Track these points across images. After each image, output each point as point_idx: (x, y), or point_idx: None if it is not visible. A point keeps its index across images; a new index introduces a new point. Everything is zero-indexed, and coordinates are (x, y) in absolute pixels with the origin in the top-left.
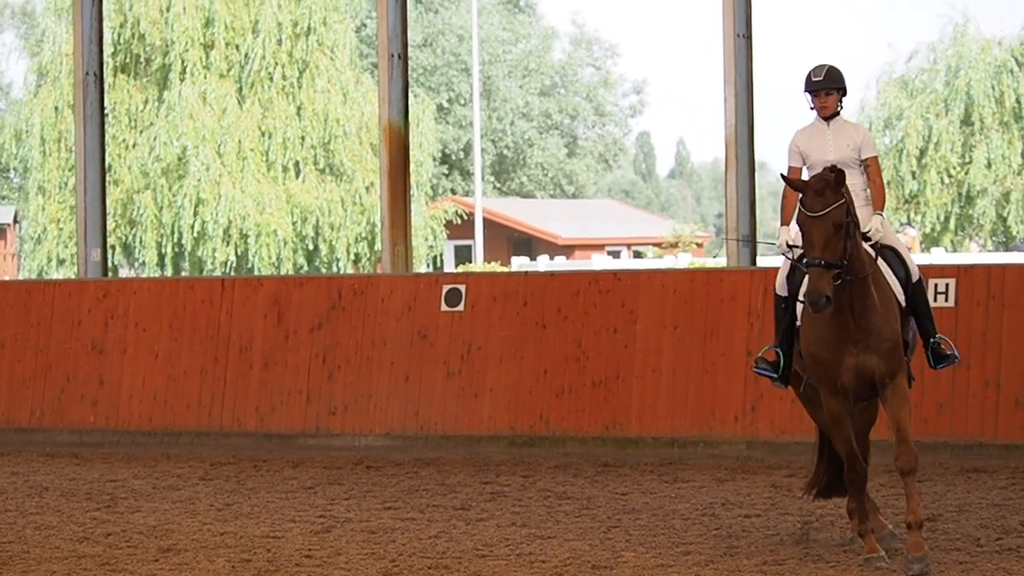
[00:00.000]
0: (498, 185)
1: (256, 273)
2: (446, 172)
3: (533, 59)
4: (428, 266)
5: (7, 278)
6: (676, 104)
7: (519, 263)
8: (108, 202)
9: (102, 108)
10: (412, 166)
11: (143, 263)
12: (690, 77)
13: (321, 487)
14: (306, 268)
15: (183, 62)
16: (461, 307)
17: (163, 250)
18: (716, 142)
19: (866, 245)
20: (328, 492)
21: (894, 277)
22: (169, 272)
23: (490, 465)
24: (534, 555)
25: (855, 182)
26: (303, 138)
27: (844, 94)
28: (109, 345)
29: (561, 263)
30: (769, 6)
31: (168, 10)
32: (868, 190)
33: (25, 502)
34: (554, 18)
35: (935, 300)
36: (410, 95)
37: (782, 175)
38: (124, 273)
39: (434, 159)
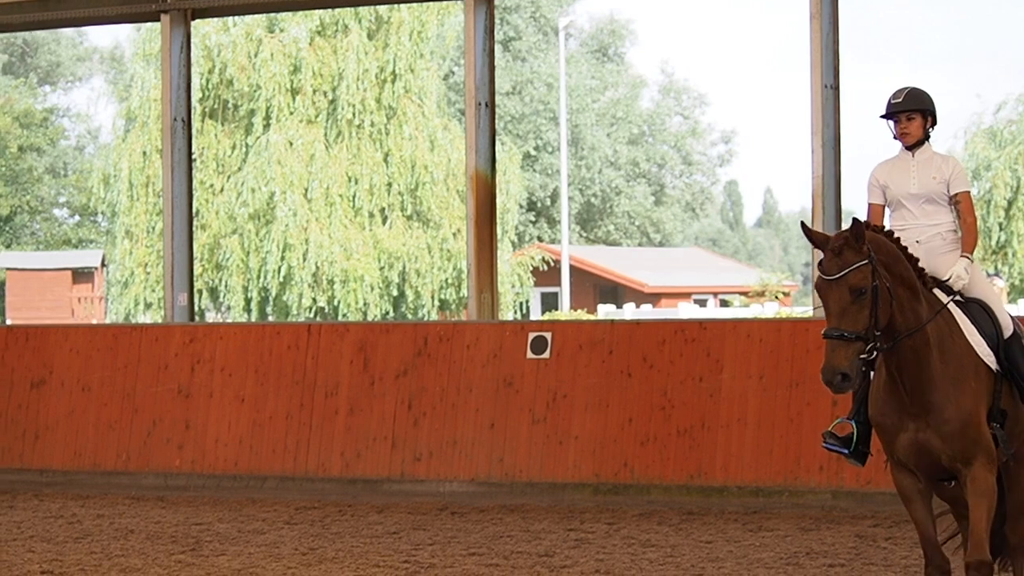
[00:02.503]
0: (584, 233)
1: (342, 319)
2: (533, 219)
3: (621, 108)
4: (514, 313)
5: (94, 322)
6: (764, 153)
7: (605, 311)
8: (195, 247)
9: (190, 153)
10: (498, 213)
11: (229, 308)
12: (778, 127)
13: (406, 532)
14: (392, 314)
15: (269, 108)
16: (547, 355)
17: (249, 295)
18: (803, 191)
19: (947, 297)
20: (412, 537)
21: (980, 337)
22: (255, 317)
23: (575, 512)
24: None
25: (942, 221)
26: (390, 184)
27: (933, 120)
28: (195, 389)
29: (647, 311)
30: (857, 57)
31: (256, 56)
32: (958, 231)
33: (111, 544)
34: (643, 67)
35: None
36: (497, 143)
37: (802, 224)
38: (210, 317)
39: (521, 206)
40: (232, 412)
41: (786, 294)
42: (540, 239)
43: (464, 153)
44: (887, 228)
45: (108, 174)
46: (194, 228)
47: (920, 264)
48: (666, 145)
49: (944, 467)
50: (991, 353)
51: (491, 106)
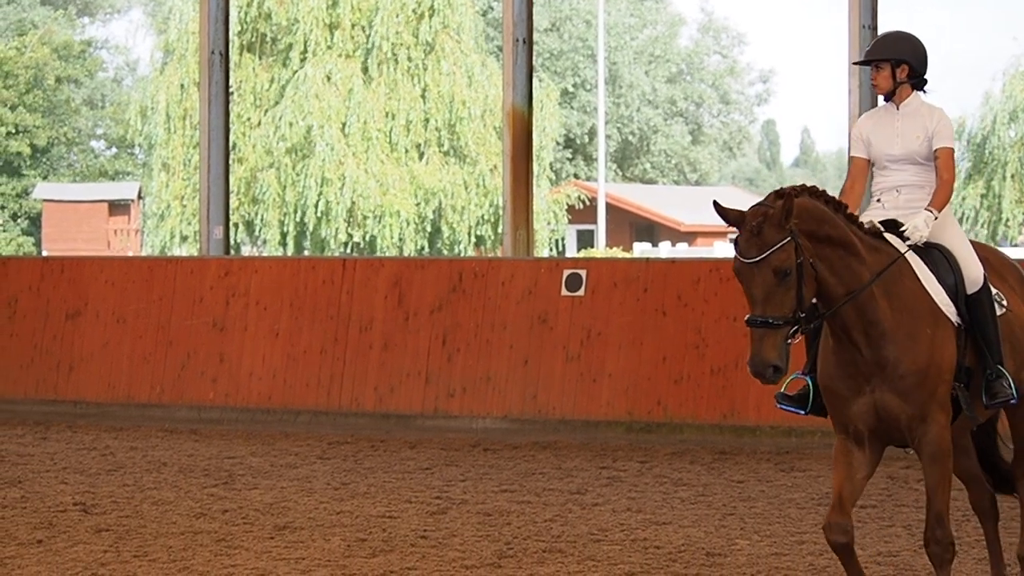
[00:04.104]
0: (621, 171)
1: (378, 254)
2: (570, 157)
3: (659, 46)
4: (550, 250)
5: (130, 254)
6: (801, 93)
7: (641, 249)
8: (232, 180)
9: (227, 87)
10: (535, 150)
11: (265, 241)
12: (816, 67)
13: (438, 468)
14: (428, 250)
15: (307, 42)
16: (581, 292)
17: (285, 229)
18: (840, 131)
19: (903, 246)
20: (445, 473)
21: (939, 286)
22: (290, 251)
23: (607, 450)
24: (649, 541)
25: (926, 179)
26: (427, 120)
27: (914, 70)
28: (230, 323)
29: (683, 250)
30: None
31: None
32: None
33: (143, 477)
34: (682, 5)
35: None
36: (535, 79)
37: (714, 203)
38: (246, 251)
39: (557, 143)
40: (266, 346)
41: None
42: (577, 176)
43: (501, 89)
44: (812, 185)
45: (145, 106)
46: (231, 161)
47: (859, 214)
48: (704, 84)
49: (900, 433)
50: (951, 304)
51: (529, 42)
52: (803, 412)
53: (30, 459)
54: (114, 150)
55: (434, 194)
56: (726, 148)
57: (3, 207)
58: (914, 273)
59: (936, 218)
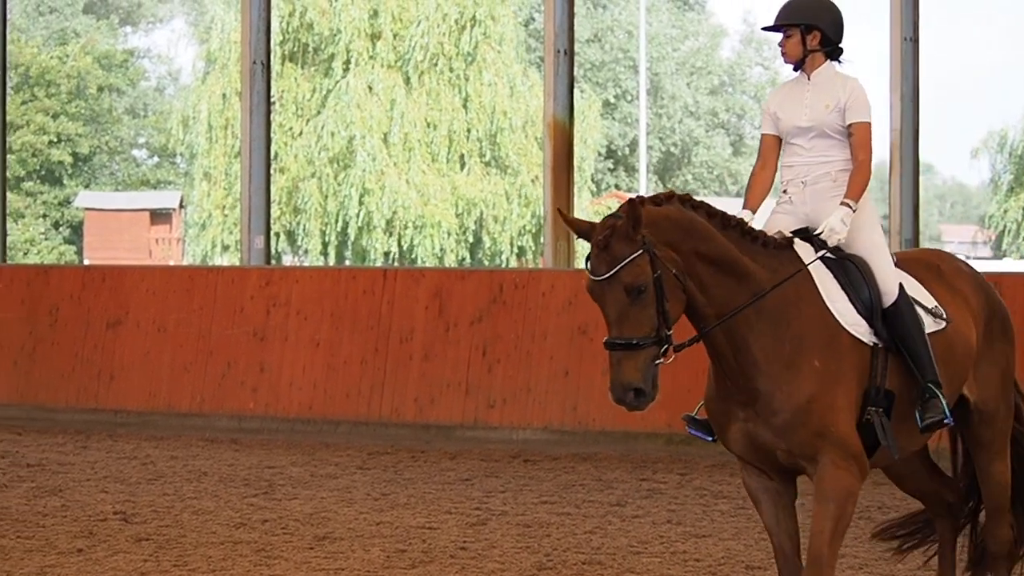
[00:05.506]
0: (662, 182)
1: (419, 264)
2: (611, 168)
3: (701, 57)
4: None
5: (171, 263)
6: None
7: None
8: (273, 190)
9: (269, 96)
10: (575, 161)
11: (306, 251)
12: (858, 79)
13: (478, 479)
14: (469, 260)
15: (349, 52)
16: None
17: (327, 239)
18: (881, 144)
19: (812, 256)
20: (485, 484)
21: (847, 304)
22: (332, 261)
23: (647, 462)
24: (688, 553)
25: (834, 158)
26: (469, 130)
27: (827, 38)
28: (270, 333)
29: None
30: (937, 9)
31: (336, 0)
32: None
33: (183, 486)
34: (724, 16)
35: None
36: (576, 91)
37: (558, 210)
38: (287, 261)
39: (599, 154)
40: (307, 356)
41: None
42: (618, 187)
43: (543, 100)
44: (682, 192)
45: (187, 116)
46: (272, 171)
47: (746, 219)
48: (746, 95)
49: (783, 464)
50: (862, 322)
51: (570, 53)
52: (711, 439)
53: (71, 468)
54: (156, 159)
55: (475, 205)
56: None
57: (45, 216)
58: (816, 293)
59: (854, 211)
